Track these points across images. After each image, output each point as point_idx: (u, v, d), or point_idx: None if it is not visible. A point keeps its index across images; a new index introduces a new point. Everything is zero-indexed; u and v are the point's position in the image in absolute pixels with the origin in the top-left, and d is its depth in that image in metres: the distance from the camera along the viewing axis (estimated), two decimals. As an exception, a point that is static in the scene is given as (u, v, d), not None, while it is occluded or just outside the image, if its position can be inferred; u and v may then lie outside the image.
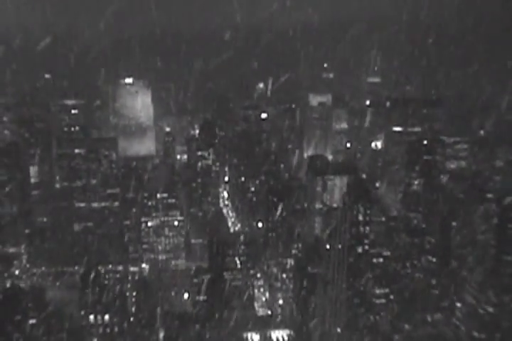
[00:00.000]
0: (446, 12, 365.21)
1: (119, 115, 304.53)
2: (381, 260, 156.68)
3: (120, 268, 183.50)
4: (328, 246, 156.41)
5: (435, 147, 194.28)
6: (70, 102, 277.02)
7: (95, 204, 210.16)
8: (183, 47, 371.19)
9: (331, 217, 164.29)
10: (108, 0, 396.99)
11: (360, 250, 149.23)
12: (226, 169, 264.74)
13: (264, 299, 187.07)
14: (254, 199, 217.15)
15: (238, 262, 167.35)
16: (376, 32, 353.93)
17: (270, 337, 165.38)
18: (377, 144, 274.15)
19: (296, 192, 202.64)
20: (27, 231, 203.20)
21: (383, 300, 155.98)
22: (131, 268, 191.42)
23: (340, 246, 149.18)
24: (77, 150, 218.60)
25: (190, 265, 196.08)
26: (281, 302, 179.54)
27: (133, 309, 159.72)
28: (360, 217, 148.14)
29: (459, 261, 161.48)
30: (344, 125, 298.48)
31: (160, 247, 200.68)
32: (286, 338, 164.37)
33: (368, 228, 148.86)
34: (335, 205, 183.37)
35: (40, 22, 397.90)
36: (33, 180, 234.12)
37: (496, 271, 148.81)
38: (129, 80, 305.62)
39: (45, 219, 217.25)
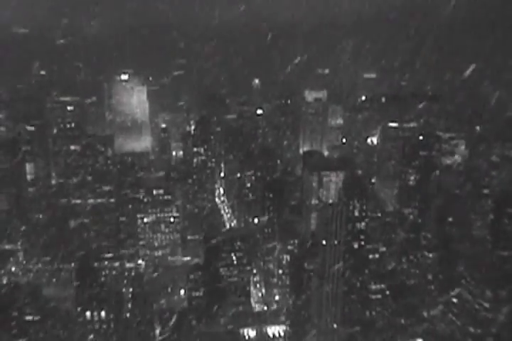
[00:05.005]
0: (442, 6, 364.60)
1: (114, 111, 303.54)
2: (377, 255, 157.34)
3: (116, 264, 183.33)
4: (324, 242, 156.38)
5: (431, 142, 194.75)
6: (65, 99, 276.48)
7: (91, 201, 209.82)
8: (178, 44, 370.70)
9: (327, 212, 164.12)
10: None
11: (356, 246, 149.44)
12: (222, 165, 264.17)
13: (260, 295, 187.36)
14: (250, 195, 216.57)
15: (234, 258, 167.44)
16: (371, 27, 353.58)
17: (266, 332, 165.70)
18: (373, 140, 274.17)
19: (292, 188, 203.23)
20: (23, 227, 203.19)
21: (379, 296, 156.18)
22: (128, 265, 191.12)
23: (336, 242, 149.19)
24: (72, 147, 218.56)
25: (187, 261, 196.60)
26: (277, 298, 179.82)
27: (129, 305, 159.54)
28: (356, 213, 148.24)
29: (455, 257, 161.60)
30: (340, 121, 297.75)
31: (156, 243, 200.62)
32: (282, 334, 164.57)
33: (363, 224, 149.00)
34: (331, 201, 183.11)
35: (35, 18, 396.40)
36: (29, 177, 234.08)
37: (492, 266, 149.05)
38: (124, 77, 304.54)
39: (41, 216, 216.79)
